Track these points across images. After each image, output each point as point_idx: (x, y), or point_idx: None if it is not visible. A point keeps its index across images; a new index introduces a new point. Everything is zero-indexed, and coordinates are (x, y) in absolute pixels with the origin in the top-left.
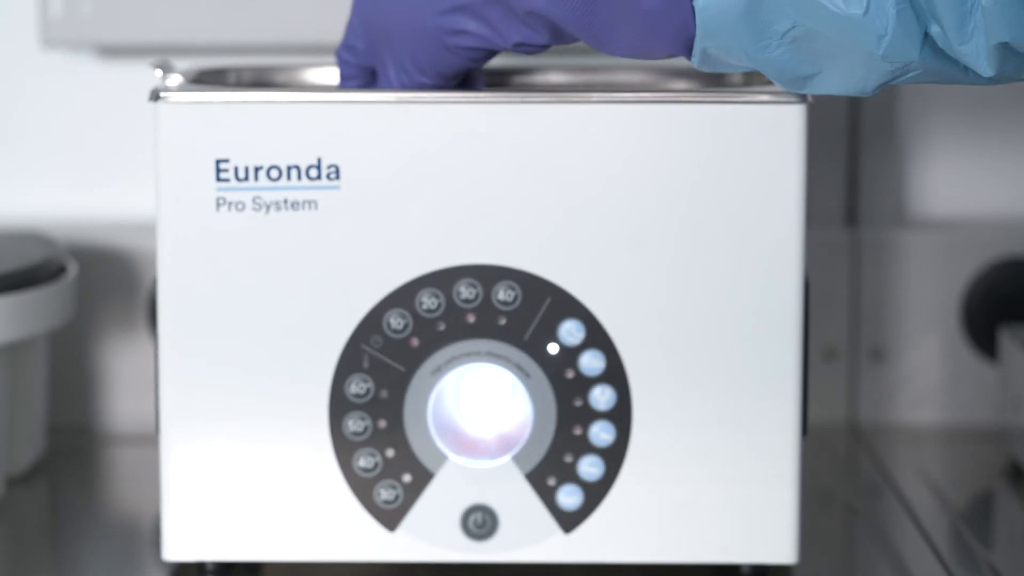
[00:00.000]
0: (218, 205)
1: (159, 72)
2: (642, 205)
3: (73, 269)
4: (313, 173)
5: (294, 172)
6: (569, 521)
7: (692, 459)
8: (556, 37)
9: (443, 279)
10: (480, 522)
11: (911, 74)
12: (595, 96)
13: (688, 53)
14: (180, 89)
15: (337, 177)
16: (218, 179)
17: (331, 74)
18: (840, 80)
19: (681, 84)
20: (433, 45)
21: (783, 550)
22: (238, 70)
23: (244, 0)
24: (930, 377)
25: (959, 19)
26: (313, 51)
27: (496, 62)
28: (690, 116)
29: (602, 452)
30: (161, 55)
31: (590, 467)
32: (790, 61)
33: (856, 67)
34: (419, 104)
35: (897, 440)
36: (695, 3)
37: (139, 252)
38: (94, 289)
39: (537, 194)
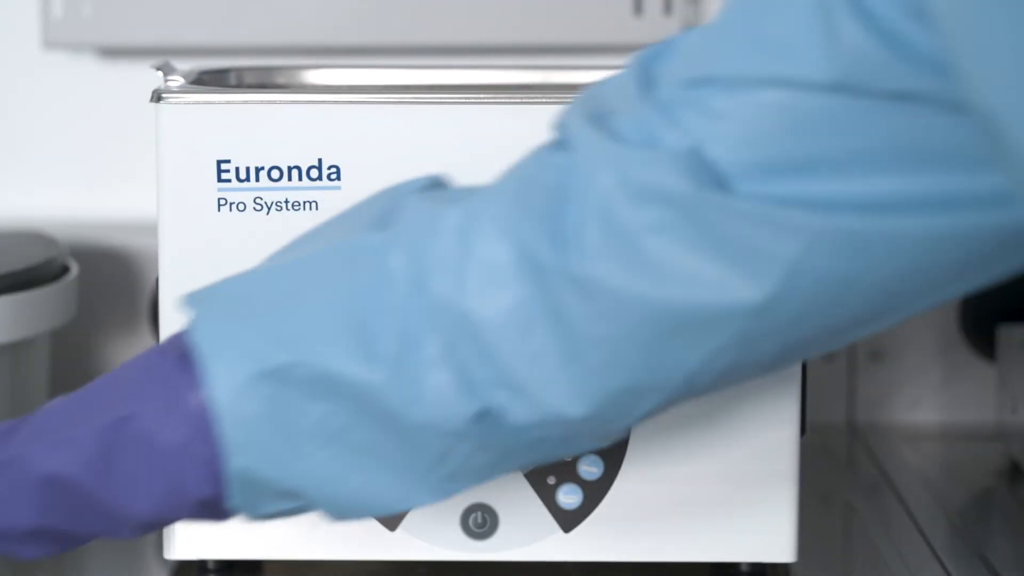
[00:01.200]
0: (219, 205)
1: (160, 73)
2: None
3: (75, 269)
4: (314, 173)
5: (295, 172)
6: (568, 520)
7: (691, 458)
8: (67, 511)
9: None
10: (480, 521)
11: (461, 458)
12: None
13: (223, 491)
14: (181, 90)
15: (338, 177)
16: (219, 179)
17: (332, 75)
18: (384, 489)
19: None
20: None
21: (782, 549)
22: (239, 71)
23: (244, 2)
24: (928, 377)
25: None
26: (314, 52)
27: (494, 62)
28: None
29: (601, 451)
30: (161, 56)
31: (589, 466)
32: (332, 469)
33: (403, 466)
34: (419, 104)
35: (895, 439)
36: (218, 411)
37: (140, 252)
38: (95, 289)
39: None
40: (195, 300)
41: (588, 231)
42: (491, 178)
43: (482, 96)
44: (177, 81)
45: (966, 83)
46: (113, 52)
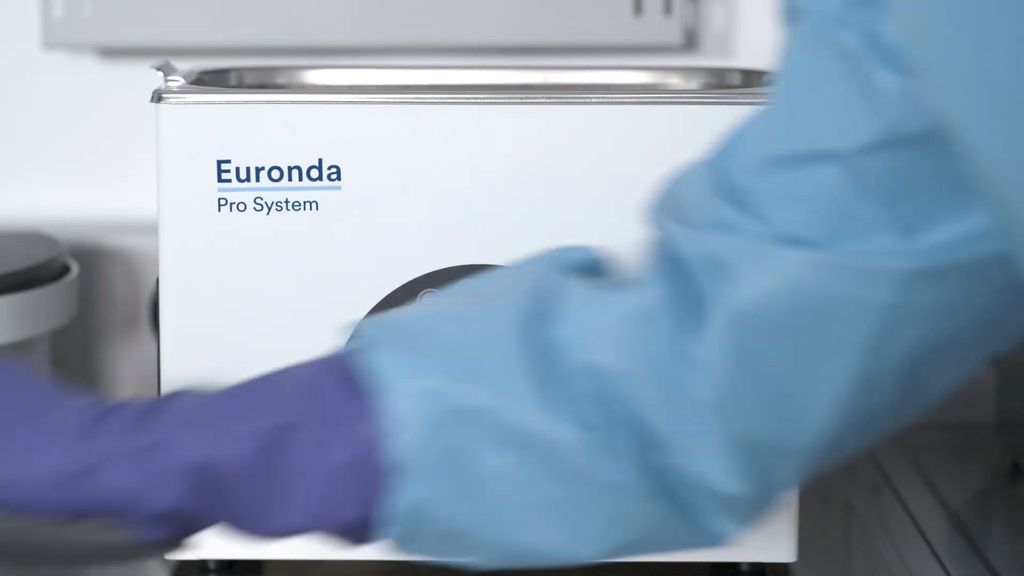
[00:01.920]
0: (219, 206)
1: (160, 73)
2: (642, 205)
3: (75, 269)
4: (314, 174)
5: (295, 173)
6: None
7: None
8: (211, 506)
9: (443, 279)
10: None
11: (642, 525)
12: (594, 97)
13: (377, 518)
14: (181, 90)
15: (338, 177)
16: (219, 180)
17: (332, 75)
18: (556, 543)
19: (681, 84)
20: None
21: (782, 548)
22: (239, 71)
23: (244, 2)
24: None
25: (675, 423)
26: (314, 53)
27: (494, 62)
28: (689, 117)
29: None
30: (161, 56)
31: None
32: (508, 517)
33: (579, 525)
34: (419, 105)
35: (895, 439)
36: (399, 444)
37: (141, 252)
38: (96, 289)
39: (537, 194)
40: (372, 331)
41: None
42: (490, 178)
43: (482, 96)
44: (177, 81)
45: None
46: (113, 52)
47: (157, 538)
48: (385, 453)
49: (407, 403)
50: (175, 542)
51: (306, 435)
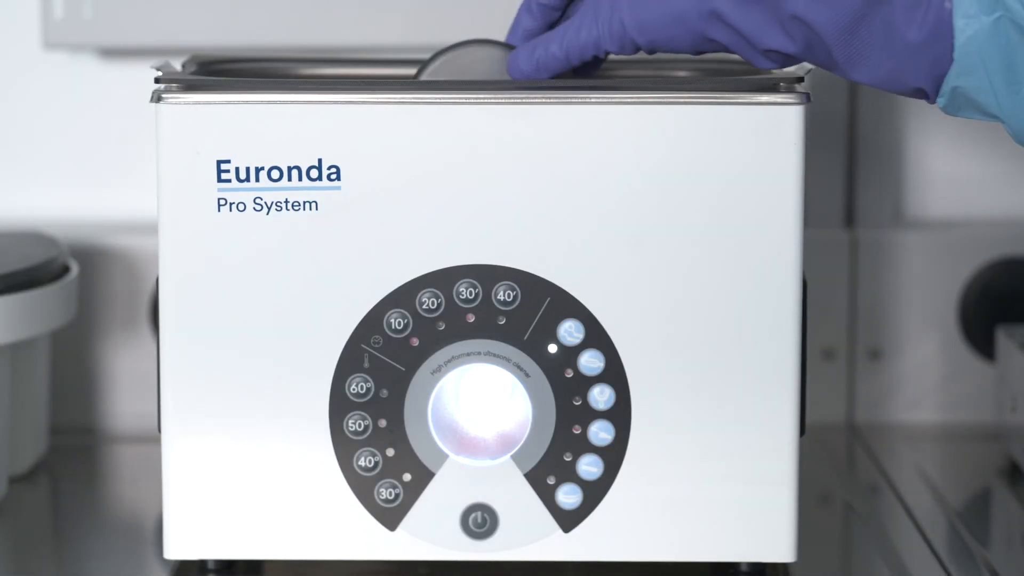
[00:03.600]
0: (219, 205)
1: (160, 73)
2: (641, 205)
3: (75, 269)
4: (314, 174)
5: (295, 173)
6: (568, 520)
7: (691, 458)
8: (807, 51)
9: (443, 279)
10: (480, 521)
11: None
12: (594, 96)
13: (936, 91)
14: (181, 90)
15: (338, 178)
16: (219, 180)
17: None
18: None
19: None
20: (680, 23)
21: (781, 548)
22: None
23: (244, 2)
24: (928, 377)
25: None
26: (314, 53)
27: None
28: (689, 116)
29: (601, 451)
30: (161, 56)
31: (589, 466)
32: None
33: None
34: (419, 105)
35: (895, 439)
36: (956, 39)
37: (141, 252)
38: (96, 289)
39: (536, 194)
40: None
41: None
42: (490, 178)
43: (481, 96)
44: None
45: None
46: (113, 52)
47: (763, 66)
48: (952, 39)
49: (974, 4)
50: (784, 68)
51: (898, 10)
